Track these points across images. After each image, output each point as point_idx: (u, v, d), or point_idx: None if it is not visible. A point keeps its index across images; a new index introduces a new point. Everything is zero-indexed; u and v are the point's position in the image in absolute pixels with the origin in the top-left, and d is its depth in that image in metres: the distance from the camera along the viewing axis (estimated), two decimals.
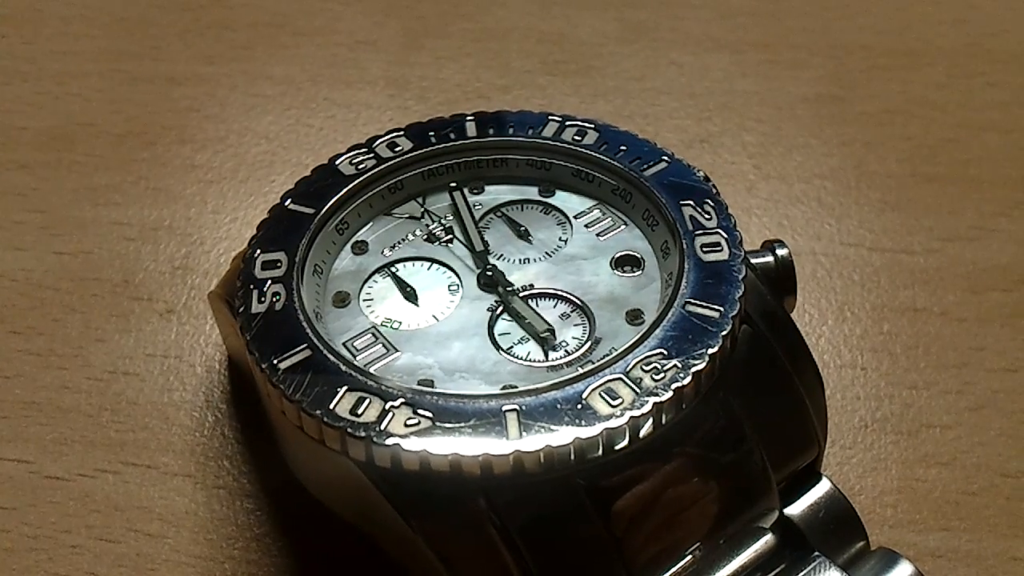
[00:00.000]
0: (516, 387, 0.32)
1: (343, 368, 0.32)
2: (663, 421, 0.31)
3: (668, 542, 0.32)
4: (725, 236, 0.35)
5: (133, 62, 0.55)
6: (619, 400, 0.31)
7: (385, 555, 0.35)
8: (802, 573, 0.33)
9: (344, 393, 0.31)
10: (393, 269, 0.37)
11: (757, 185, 0.49)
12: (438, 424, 0.30)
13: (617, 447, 0.31)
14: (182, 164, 0.50)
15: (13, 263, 0.46)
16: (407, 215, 0.38)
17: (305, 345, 0.33)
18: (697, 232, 0.35)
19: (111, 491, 0.39)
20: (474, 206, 0.38)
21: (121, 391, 0.42)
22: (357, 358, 0.34)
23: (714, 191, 0.36)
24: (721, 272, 0.34)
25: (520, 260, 0.37)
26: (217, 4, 0.58)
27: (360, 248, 0.37)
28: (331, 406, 0.31)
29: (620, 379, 0.31)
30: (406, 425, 0.30)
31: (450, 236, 0.37)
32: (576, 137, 0.38)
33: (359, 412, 0.31)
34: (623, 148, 0.38)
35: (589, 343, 0.34)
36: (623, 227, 0.37)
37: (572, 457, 0.30)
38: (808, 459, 0.36)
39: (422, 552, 0.31)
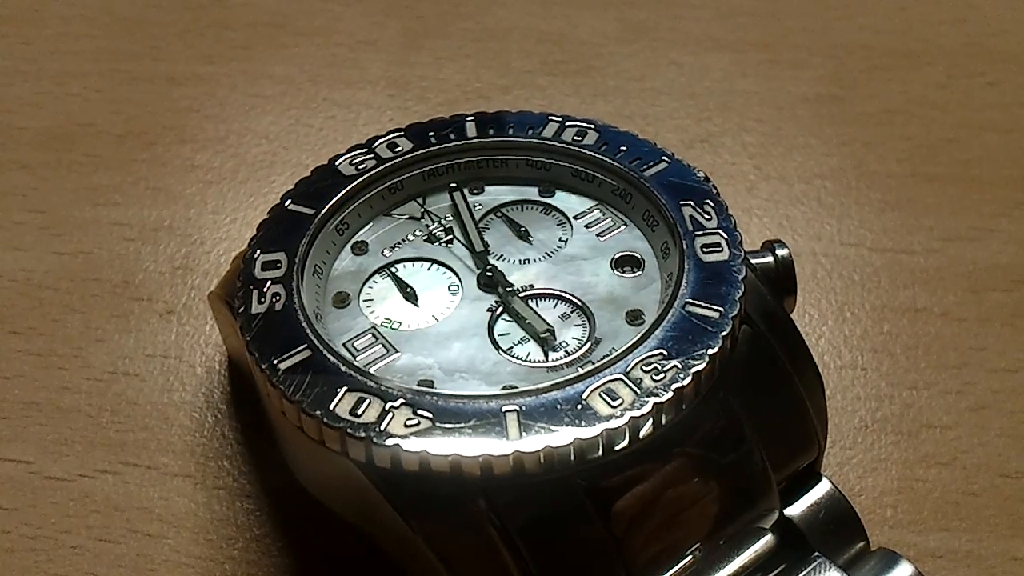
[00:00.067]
0: (516, 387, 0.32)
1: (343, 368, 0.32)
2: (663, 421, 0.31)
3: (668, 542, 0.32)
4: (725, 236, 0.35)
5: (133, 62, 0.55)
6: (619, 400, 0.31)
7: (385, 555, 0.35)
8: (802, 573, 0.33)
9: (344, 393, 0.31)
10: (393, 269, 0.37)
11: (757, 185, 0.49)
12: (438, 424, 0.30)
13: (617, 447, 0.31)
14: (182, 164, 0.50)
15: (13, 263, 0.46)
16: (407, 215, 0.38)
17: (305, 345, 0.33)
18: (697, 232, 0.35)
19: (111, 492, 0.39)
20: (474, 206, 0.38)
21: (121, 391, 0.42)
22: (357, 358, 0.33)
23: (714, 191, 0.36)
24: (721, 272, 0.34)
25: (520, 260, 0.37)
26: (217, 4, 0.58)
27: (360, 248, 0.37)
28: (331, 407, 0.31)
29: (620, 379, 0.31)
30: (406, 426, 0.30)
31: (450, 236, 0.37)
32: (576, 137, 0.38)
33: (359, 412, 0.31)
34: (623, 148, 0.38)
35: (589, 343, 0.34)
36: (623, 227, 0.37)
37: (572, 457, 0.30)
38: (808, 459, 0.36)
39: (422, 552, 0.31)
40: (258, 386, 0.34)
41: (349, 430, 0.30)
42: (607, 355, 0.32)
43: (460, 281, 0.36)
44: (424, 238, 0.37)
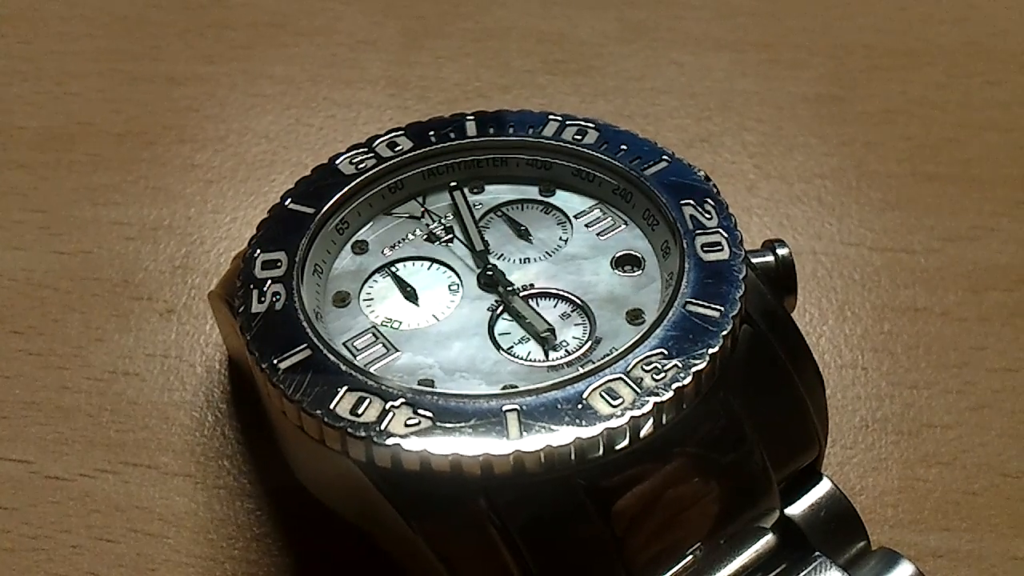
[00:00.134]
0: (516, 387, 0.32)
1: (343, 368, 0.32)
2: (663, 421, 0.31)
3: (669, 542, 0.32)
4: (725, 236, 0.35)
5: (133, 62, 0.55)
6: (619, 400, 0.31)
7: (385, 555, 0.35)
8: (803, 573, 0.33)
9: (344, 393, 0.31)
10: (393, 269, 0.36)
11: (758, 184, 0.49)
12: (438, 424, 0.30)
13: (618, 447, 0.31)
14: (182, 164, 0.50)
15: (13, 263, 0.46)
16: (407, 215, 0.38)
17: (305, 345, 0.32)
18: (697, 232, 0.35)
19: (111, 491, 0.39)
20: (474, 205, 0.38)
21: (121, 391, 0.42)
22: (357, 358, 0.33)
23: (714, 191, 0.36)
24: (721, 272, 0.34)
25: (520, 260, 0.37)
26: (217, 4, 0.58)
27: (360, 248, 0.37)
28: (331, 406, 0.31)
29: (621, 379, 0.31)
30: (406, 425, 0.30)
31: (450, 236, 0.37)
32: (576, 136, 0.38)
33: (359, 412, 0.31)
34: (623, 148, 0.38)
35: (589, 343, 0.34)
36: (623, 227, 0.37)
37: (572, 457, 0.30)
38: (809, 459, 0.36)
39: (422, 552, 0.31)
40: (258, 385, 0.34)
41: (349, 429, 0.30)
42: (607, 354, 0.32)
43: (460, 280, 0.36)
44: (424, 237, 0.37)
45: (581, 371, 0.32)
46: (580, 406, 0.31)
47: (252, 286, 0.34)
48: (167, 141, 0.51)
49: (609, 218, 0.37)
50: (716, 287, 0.33)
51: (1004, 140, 0.51)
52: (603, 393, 0.31)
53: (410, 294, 0.36)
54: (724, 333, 0.32)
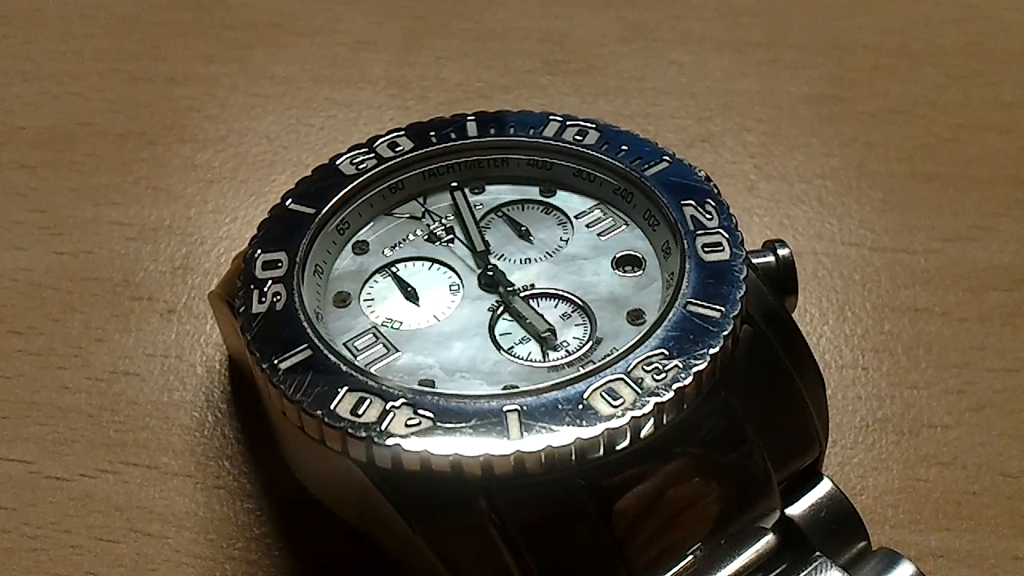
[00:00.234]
0: (517, 387, 0.32)
1: (344, 368, 0.32)
2: (664, 421, 0.31)
3: (669, 542, 0.32)
4: (726, 236, 0.35)
5: (133, 62, 0.55)
6: (620, 400, 0.31)
7: (385, 555, 0.35)
8: (803, 573, 0.33)
9: (345, 393, 0.31)
10: (394, 269, 0.36)
11: (758, 185, 0.49)
12: (439, 424, 0.30)
13: (618, 447, 0.31)
14: (182, 164, 0.50)
15: (13, 263, 0.46)
16: (408, 215, 0.38)
17: (306, 345, 0.32)
18: (698, 232, 0.35)
19: (111, 491, 0.39)
20: (475, 206, 0.38)
21: (121, 391, 0.42)
22: (358, 358, 0.33)
23: (715, 191, 0.36)
24: (722, 272, 0.34)
25: (521, 260, 0.37)
26: (217, 4, 0.58)
27: (361, 248, 0.37)
28: (332, 406, 0.31)
29: (621, 379, 0.31)
30: (407, 425, 0.30)
31: (451, 236, 0.37)
32: (577, 137, 0.38)
33: (360, 412, 0.31)
34: (624, 148, 0.38)
35: (590, 343, 0.34)
36: (624, 227, 0.37)
37: (573, 457, 0.30)
38: (809, 459, 0.36)
39: (423, 553, 0.31)
40: (259, 386, 0.34)
41: (350, 430, 0.30)
42: (608, 355, 0.32)
43: (461, 281, 0.36)
44: (425, 238, 0.37)
45: (582, 371, 0.32)
46: (581, 406, 0.31)
47: (253, 286, 0.34)
48: (167, 141, 0.51)
49: (610, 218, 0.37)
50: (717, 287, 0.33)
51: (1004, 140, 0.51)
52: (604, 393, 0.31)
53: (411, 294, 0.36)
54: (725, 333, 0.32)
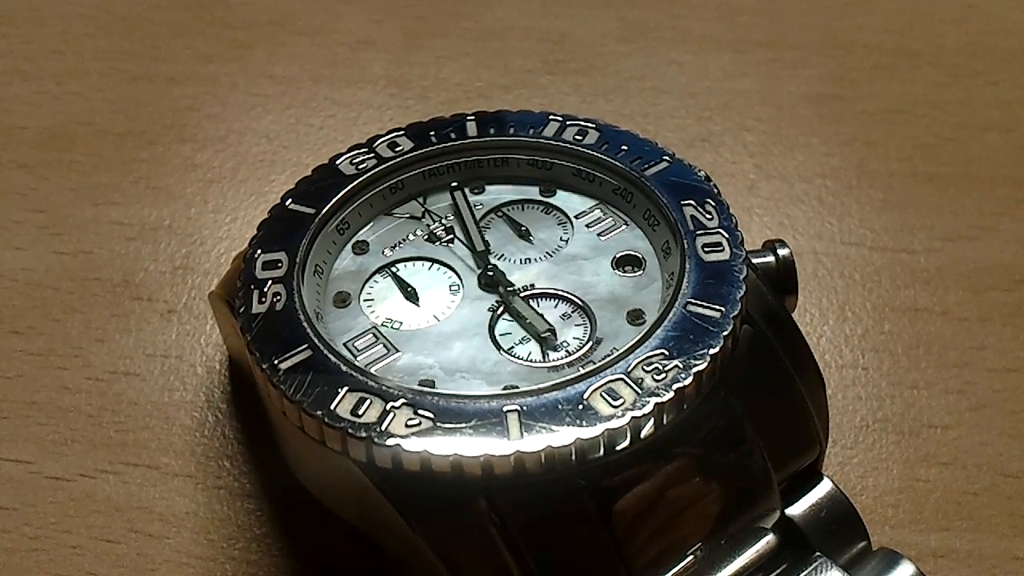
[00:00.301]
0: (517, 387, 0.32)
1: (344, 368, 0.32)
2: (664, 421, 0.31)
3: (669, 542, 0.32)
4: (726, 236, 0.35)
5: (133, 62, 0.55)
6: (620, 400, 0.31)
7: (385, 555, 0.35)
8: (803, 573, 0.33)
9: (345, 393, 0.31)
10: (394, 269, 0.36)
11: (758, 184, 0.49)
12: (439, 424, 0.30)
13: (618, 447, 0.31)
14: (182, 164, 0.50)
15: (13, 263, 0.46)
16: (408, 215, 0.38)
17: (306, 345, 0.32)
18: (698, 232, 0.35)
19: (112, 491, 0.39)
20: (475, 206, 0.38)
21: (121, 391, 0.42)
22: (358, 358, 0.33)
23: (715, 191, 0.36)
24: (722, 272, 0.34)
25: (521, 260, 0.37)
26: (217, 4, 0.58)
27: (361, 248, 0.37)
28: (332, 406, 0.31)
29: (621, 379, 0.31)
30: (407, 426, 0.30)
31: (451, 236, 0.37)
32: (577, 137, 0.38)
33: (360, 412, 0.31)
34: (624, 148, 0.38)
35: (590, 343, 0.34)
36: (624, 227, 0.37)
37: (573, 457, 0.30)
38: (809, 459, 0.36)
39: (423, 553, 0.31)
40: (259, 386, 0.34)
41: (350, 430, 0.30)
42: (608, 355, 0.32)
43: (461, 281, 0.36)
44: (425, 237, 0.37)
45: (582, 371, 0.32)
46: (581, 406, 0.31)
47: (253, 286, 0.34)
48: (167, 141, 0.51)
49: (610, 218, 0.37)
50: (717, 287, 0.33)
51: (1004, 140, 0.51)
52: (604, 393, 0.31)
53: (411, 294, 0.36)
54: (725, 333, 0.32)
